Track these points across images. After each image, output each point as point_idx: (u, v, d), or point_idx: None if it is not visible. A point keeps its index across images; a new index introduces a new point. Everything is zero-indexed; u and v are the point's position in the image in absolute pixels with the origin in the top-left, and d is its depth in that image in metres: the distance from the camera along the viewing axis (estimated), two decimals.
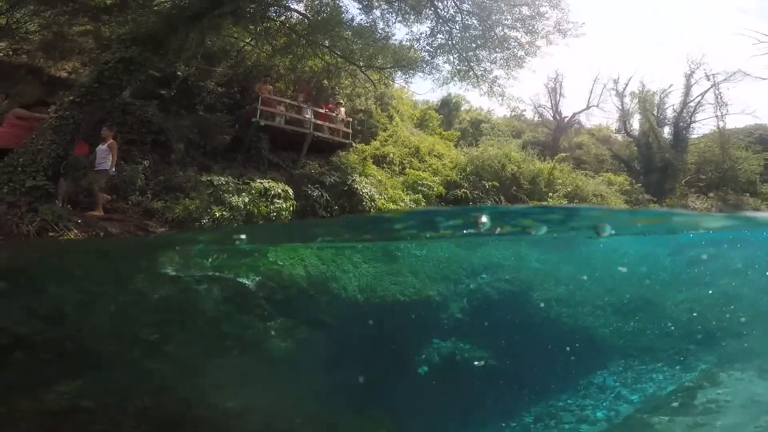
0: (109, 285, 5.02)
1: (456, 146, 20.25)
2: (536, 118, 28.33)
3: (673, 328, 10.68)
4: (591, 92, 27.44)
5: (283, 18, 14.60)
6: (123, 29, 11.25)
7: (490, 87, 14.01)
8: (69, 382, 3.65)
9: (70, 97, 7.02)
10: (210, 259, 7.33)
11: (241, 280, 7.12)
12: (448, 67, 14.37)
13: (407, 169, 15.83)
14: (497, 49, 13.06)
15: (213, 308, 6.02)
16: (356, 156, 15.27)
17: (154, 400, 3.90)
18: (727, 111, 21.80)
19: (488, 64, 13.60)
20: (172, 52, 10.29)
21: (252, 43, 15.07)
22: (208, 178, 9.46)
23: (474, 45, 13.28)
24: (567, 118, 26.41)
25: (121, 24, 12.22)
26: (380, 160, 15.92)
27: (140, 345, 4.56)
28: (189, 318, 5.51)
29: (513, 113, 28.54)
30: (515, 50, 12.95)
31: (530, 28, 12.64)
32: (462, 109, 26.92)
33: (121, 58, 7.81)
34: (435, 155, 17.60)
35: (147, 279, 5.45)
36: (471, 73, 13.71)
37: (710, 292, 11.64)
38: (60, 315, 4.28)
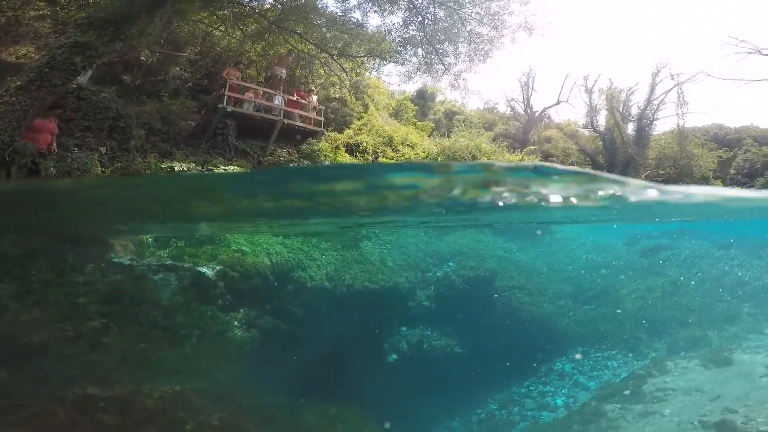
0: (54, 273, 4.92)
1: (430, 136, 20.40)
2: (508, 112, 28.79)
3: (627, 316, 11.17)
4: (562, 88, 27.99)
5: (254, 3, 14.28)
6: (82, 14, 10.80)
7: (455, 79, 14.17)
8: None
9: (18, 82, 6.74)
10: (168, 248, 7.25)
11: (200, 269, 7.07)
12: (415, 59, 14.44)
13: (380, 158, 15.87)
14: (463, 43, 13.20)
15: (169, 298, 5.97)
16: (328, 144, 15.21)
17: (97, 389, 3.89)
18: (687, 110, 22.84)
19: (453, 57, 13.75)
20: (133, 37, 9.94)
21: (221, 28, 14.69)
22: (170, 165, 9.27)
23: (442, 37, 13.35)
24: (538, 113, 26.98)
25: (81, 8, 11.70)
26: (353, 149, 15.90)
27: (86, 336, 4.51)
28: (142, 308, 5.45)
29: (486, 106, 28.95)
30: (480, 45, 13.11)
31: (497, 23, 12.79)
32: (437, 100, 27.04)
33: (75, 43, 7.52)
34: (408, 145, 17.68)
35: (98, 268, 5.37)
36: (436, 65, 13.81)
37: (662, 281, 12.21)
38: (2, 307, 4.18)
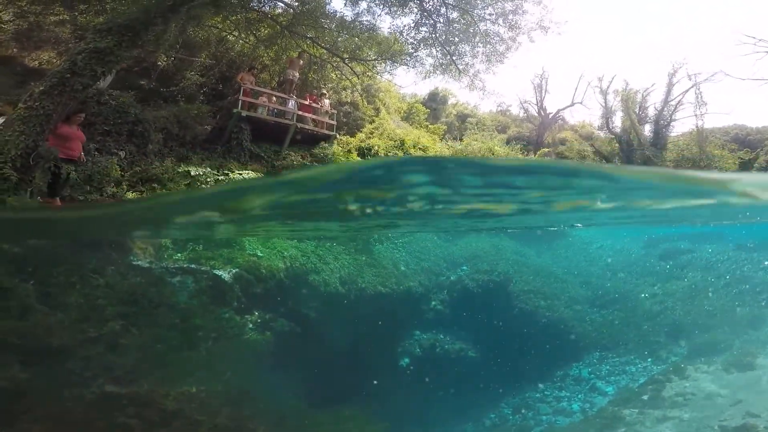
0: (76, 276, 5.01)
1: (442, 140, 20.34)
2: (522, 114, 28.59)
3: (646, 320, 10.95)
4: (576, 89, 27.75)
5: (266, 8, 14.46)
6: (100, 19, 11.06)
7: (471, 80, 14.16)
8: (18, 368, 3.67)
9: (41, 88, 6.91)
10: (186, 251, 7.33)
11: (217, 272, 7.14)
12: (430, 60, 14.46)
13: None
14: (479, 44, 13.18)
15: (186, 300, 6.04)
16: (340, 148, 15.25)
17: (115, 389, 3.95)
18: (706, 110, 22.28)
19: (470, 58, 13.75)
20: (150, 42, 10.14)
21: (235, 33, 14.90)
22: (186, 169, 9.40)
23: (456, 39, 13.35)
24: (552, 114, 26.70)
25: (99, 13, 11.99)
26: (365, 153, 15.91)
27: (105, 338, 4.58)
28: (160, 310, 5.52)
29: (499, 108, 28.83)
30: (497, 45, 13.08)
31: (512, 23, 12.75)
32: (449, 103, 26.97)
33: (95, 48, 7.67)
34: (420, 148, 17.63)
35: (118, 271, 5.45)
36: (452, 66, 13.80)
37: (682, 285, 11.94)
38: (24, 307, 4.27)
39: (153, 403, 4.04)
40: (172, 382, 4.55)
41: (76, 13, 12.43)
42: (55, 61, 11.56)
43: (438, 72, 14.51)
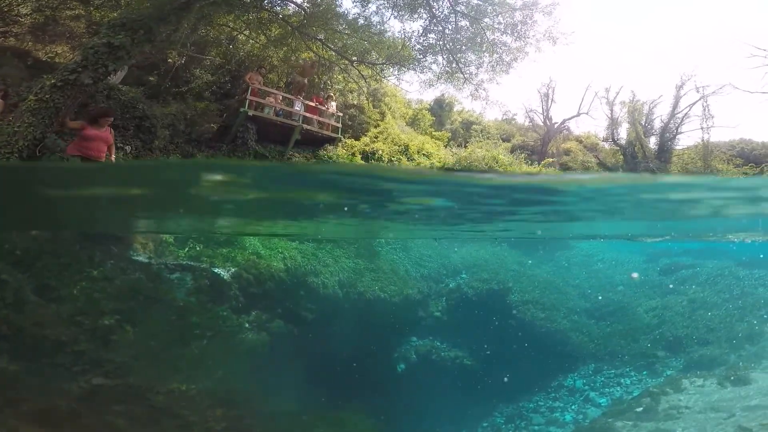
0: (73, 269, 5.06)
1: (446, 146, 20.33)
2: (527, 123, 28.48)
3: (643, 333, 10.95)
4: (582, 99, 27.66)
5: (278, 9, 14.58)
6: (114, 14, 11.21)
7: (476, 89, 14.20)
8: (8, 360, 3.71)
9: (52, 81, 7.01)
10: (186, 248, 7.40)
11: (216, 270, 7.20)
12: (435, 67, 14.51)
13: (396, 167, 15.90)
14: (486, 53, 13.22)
15: (184, 297, 6.08)
16: (345, 151, 15.30)
17: (105, 385, 3.98)
18: (713, 123, 22.14)
19: (475, 67, 13.78)
20: (162, 39, 10.26)
21: (246, 33, 15.02)
22: None
23: (463, 47, 13.40)
24: (557, 124, 26.57)
25: (114, 9, 12.16)
26: (369, 156, 15.96)
27: (99, 332, 4.61)
28: (156, 306, 5.57)
29: (504, 117, 28.76)
30: (503, 55, 13.12)
31: (521, 33, 12.79)
32: (455, 109, 26.94)
33: (107, 44, 7.79)
34: (424, 154, 17.65)
35: (117, 265, 5.51)
36: (458, 74, 13.85)
37: (680, 299, 11.92)
38: (21, 300, 4.31)
39: (143, 401, 4.06)
40: (165, 379, 4.59)
41: (92, 8, 12.60)
42: (68, 55, 11.70)
43: (442, 80, 14.55)
